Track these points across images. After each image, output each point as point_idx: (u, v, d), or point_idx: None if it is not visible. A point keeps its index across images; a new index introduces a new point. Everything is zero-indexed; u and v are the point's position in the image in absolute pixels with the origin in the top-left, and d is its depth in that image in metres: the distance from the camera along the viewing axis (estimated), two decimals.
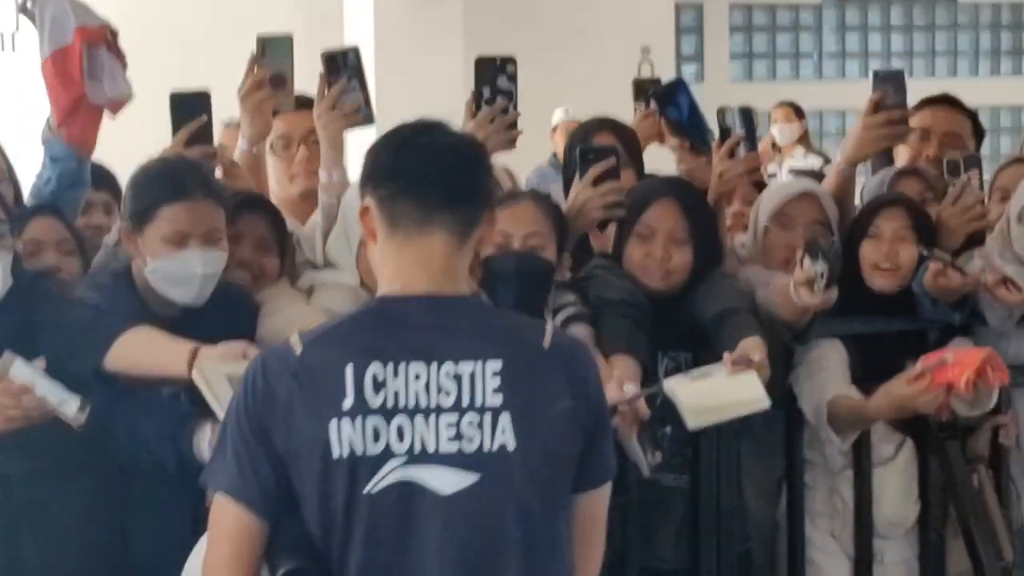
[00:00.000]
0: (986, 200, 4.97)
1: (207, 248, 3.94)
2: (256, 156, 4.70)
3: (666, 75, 9.71)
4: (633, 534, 4.30)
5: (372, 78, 4.85)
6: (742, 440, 4.50)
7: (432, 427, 2.90)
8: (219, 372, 3.61)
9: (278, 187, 4.87)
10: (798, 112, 11.42)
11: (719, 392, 3.91)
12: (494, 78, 4.45)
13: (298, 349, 2.94)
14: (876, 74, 4.85)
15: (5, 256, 3.88)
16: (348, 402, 2.89)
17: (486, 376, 2.92)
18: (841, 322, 4.52)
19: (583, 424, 2.98)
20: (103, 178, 4.94)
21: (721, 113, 4.79)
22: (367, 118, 4.62)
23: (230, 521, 2.93)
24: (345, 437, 2.88)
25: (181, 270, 3.93)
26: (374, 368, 2.91)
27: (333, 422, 2.88)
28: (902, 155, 5.41)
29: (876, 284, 4.62)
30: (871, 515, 4.58)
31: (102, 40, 4.51)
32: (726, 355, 3.96)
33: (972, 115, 5.48)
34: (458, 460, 2.91)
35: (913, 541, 4.69)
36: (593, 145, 4.69)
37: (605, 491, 3.08)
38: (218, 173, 4.53)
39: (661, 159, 5.50)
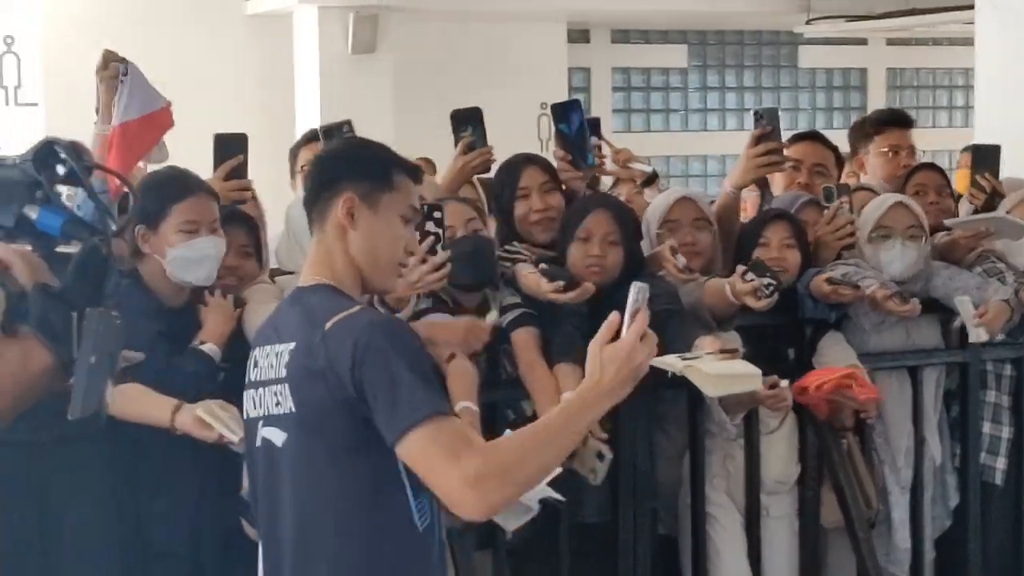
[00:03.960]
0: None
1: (213, 235, 4.02)
2: None
3: None
4: (564, 494, 4.32)
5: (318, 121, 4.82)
6: (653, 415, 4.54)
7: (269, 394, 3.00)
8: (219, 410, 3.67)
9: None
10: None
11: (727, 368, 3.90)
12: (423, 222, 3.99)
13: None
14: (756, 112, 4.84)
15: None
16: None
17: (283, 355, 2.97)
18: (735, 316, 4.56)
19: (342, 392, 2.85)
20: None
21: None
22: None
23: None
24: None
25: (197, 253, 3.98)
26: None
27: None
28: (778, 182, 5.45)
29: None
30: (759, 476, 4.61)
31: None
32: (707, 346, 3.96)
33: (834, 148, 5.55)
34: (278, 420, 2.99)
35: (794, 497, 4.73)
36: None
37: (416, 436, 2.79)
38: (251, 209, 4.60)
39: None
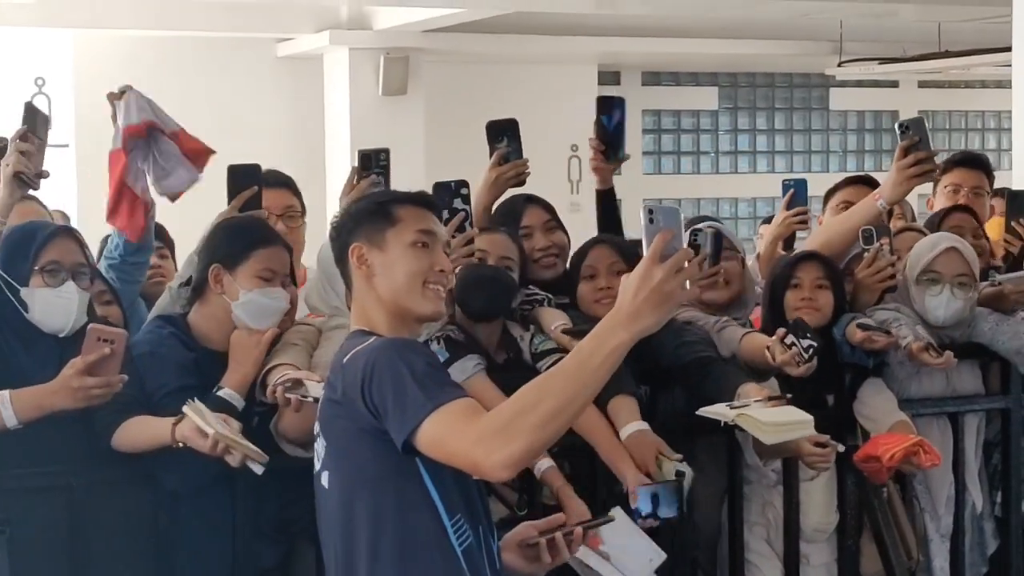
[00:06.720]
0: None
1: (286, 288, 4.04)
2: None
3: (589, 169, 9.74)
4: None
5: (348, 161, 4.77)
6: (691, 463, 4.48)
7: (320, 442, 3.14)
8: (206, 410, 3.64)
9: None
10: None
11: (780, 415, 3.86)
12: (451, 200, 4.12)
13: None
14: (902, 124, 4.74)
15: (84, 295, 3.92)
16: None
17: (323, 397, 3.14)
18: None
19: (358, 417, 2.95)
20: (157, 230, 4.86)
21: (693, 234, 4.46)
22: None
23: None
24: None
25: (271, 301, 3.98)
26: None
27: None
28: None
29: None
30: (799, 523, 4.56)
31: (140, 135, 4.39)
32: (753, 393, 3.96)
33: None
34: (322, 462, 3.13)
35: (834, 546, 4.68)
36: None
37: (426, 428, 2.86)
38: None
39: None
